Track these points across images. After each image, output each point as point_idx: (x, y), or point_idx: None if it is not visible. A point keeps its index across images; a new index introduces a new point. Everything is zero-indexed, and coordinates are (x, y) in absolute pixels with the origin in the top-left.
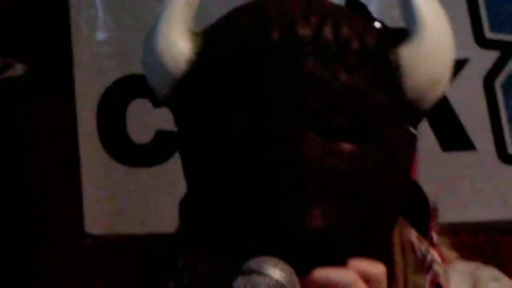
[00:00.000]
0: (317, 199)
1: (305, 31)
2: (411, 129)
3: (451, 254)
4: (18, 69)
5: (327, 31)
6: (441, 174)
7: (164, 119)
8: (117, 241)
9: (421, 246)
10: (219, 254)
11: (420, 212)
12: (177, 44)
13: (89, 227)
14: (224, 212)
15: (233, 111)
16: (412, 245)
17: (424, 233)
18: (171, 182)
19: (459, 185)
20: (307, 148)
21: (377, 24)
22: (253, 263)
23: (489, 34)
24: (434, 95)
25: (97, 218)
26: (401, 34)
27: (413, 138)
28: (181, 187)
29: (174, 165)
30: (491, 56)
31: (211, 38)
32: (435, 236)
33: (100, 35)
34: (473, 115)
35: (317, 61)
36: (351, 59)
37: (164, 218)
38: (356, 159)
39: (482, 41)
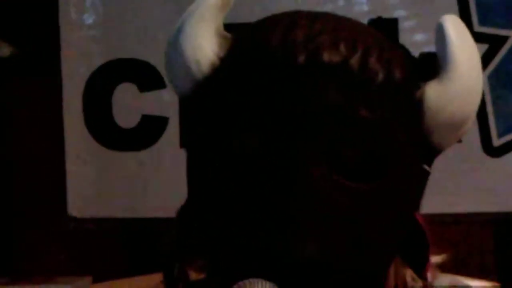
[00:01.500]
0: (316, 230)
1: (331, 59)
2: (425, 166)
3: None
4: (5, 50)
5: (354, 61)
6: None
7: (150, 103)
8: (99, 225)
9: (414, 285)
10: (212, 270)
11: (418, 252)
12: (203, 47)
13: (72, 209)
14: (221, 229)
15: (247, 128)
16: (405, 284)
17: (420, 274)
18: (155, 167)
19: (444, 177)
20: (314, 179)
21: (406, 52)
22: (242, 284)
23: (477, 27)
24: (454, 137)
25: (80, 201)
26: (431, 70)
27: (425, 176)
28: (165, 172)
29: (159, 150)
30: (479, 49)
31: (238, 47)
32: (429, 277)
33: (88, 19)
34: None
35: (340, 92)
36: (375, 94)
37: (147, 203)
38: (362, 196)
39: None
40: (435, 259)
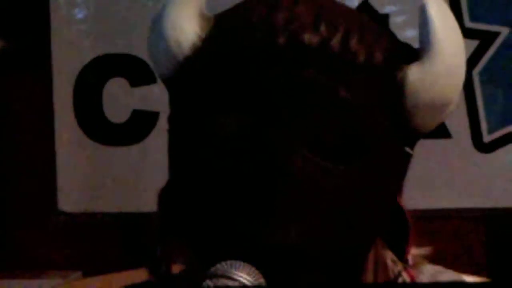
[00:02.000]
0: (296, 213)
1: (311, 40)
2: (407, 149)
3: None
4: None
5: (335, 42)
6: (416, 161)
7: (140, 99)
8: (90, 219)
9: (394, 268)
10: (192, 252)
11: (399, 235)
12: (184, 28)
13: (62, 204)
14: (202, 210)
15: (227, 109)
16: (385, 266)
17: (401, 257)
18: (145, 162)
19: (434, 172)
20: (293, 160)
21: (389, 35)
22: (221, 267)
23: (468, 23)
24: (437, 120)
25: (70, 196)
26: (413, 52)
27: (407, 158)
28: (155, 167)
29: (149, 145)
30: (470, 45)
31: (219, 28)
32: (410, 260)
33: (79, 13)
34: None
35: (319, 73)
36: (355, 75)
37: (138, 198)
38: (341, 177)
39: (461, 30)
40: (419, 250)
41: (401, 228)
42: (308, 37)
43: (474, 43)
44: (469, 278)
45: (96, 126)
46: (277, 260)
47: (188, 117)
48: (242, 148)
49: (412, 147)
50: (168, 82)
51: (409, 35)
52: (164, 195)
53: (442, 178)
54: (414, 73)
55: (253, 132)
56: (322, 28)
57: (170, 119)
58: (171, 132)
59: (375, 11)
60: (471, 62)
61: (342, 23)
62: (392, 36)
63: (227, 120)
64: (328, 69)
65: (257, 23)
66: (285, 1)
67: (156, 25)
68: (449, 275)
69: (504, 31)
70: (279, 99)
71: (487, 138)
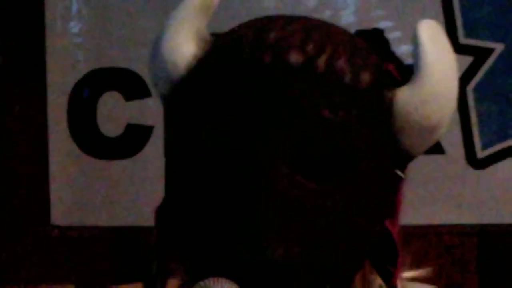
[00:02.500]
0: (279, 232)
1: (297, 59)
2: (397, 171)
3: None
4: None
5: (320, 62)
6: (409, 177)
7: (135, 112)
8: (83, 233)
9: None
10: (187, 268)
11: (387, 258)
12: (180, 48)
13: (55, 218)
14: (193, 227)
15: (215, 128)
16: None
17: (388, 281)
18: (139, 176)
19: (427, 188)
20: (277, 180)
21: (382, 57)
22: (203, 283)
23: (463, 40)
24: (426, 142)
25: (64, 210)
26: (406, 75)
27: (397, 181)
28: (149, 181)
29: (144, 158)
30: (464, 61)
31: (213, 48)
32: (399, 285)
33: (74, 27)
34: None
35: (303, 92)
36: (339, 96)
37: (131, 212)
38: (325, 197)
39: (455, 46)
40: (410, 273)
41: (389, 252)
42: (294, 56)
43: (469, 59)
44: None
45: (90, 140)
46: (262, 277)
47: (181, 136)
48: (230, 166)
49: (402, 170)
50: (166, 101)
51: (403, 50)
52: (161, 212)
53: (435, 194)
54: (402, 96)
55: (238, 150)
56: (309, 47)
57: (166, 138)
58: (167, 147)
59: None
60: (465, 78)
61: (330, 44)
62: (389, 58)
63: (216, 139)
64: (312, 88)
65: (247, 43)
66: (277, 22)
67: (155, 46)
68: None
69: (498, 47)
70: (263, 118)
71: (480, 154)
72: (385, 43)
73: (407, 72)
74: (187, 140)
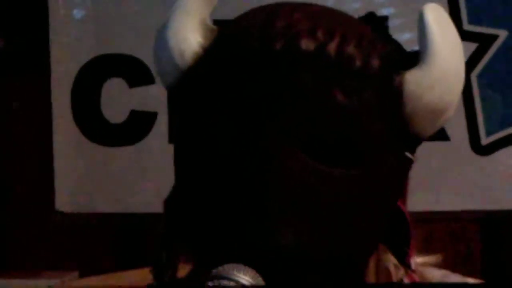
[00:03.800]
0: (292, 217)
1: (308, 45)
2: (408, 154)
3: (423, 267)
4: None
5: (331, 48)
6: (414, 163)
7: (139, 99)
8: (87, 220)
9: (397, 273)
10: (196, 257)
11: (401, 238)
12: (187, 39)
13: (59, 204)
14: (204, 215)
15: (226, 116)
16: (387, 271)
17: (402, 260)
18: (143, 163)
19: (432, 175)
20: (289, 165)
21: (390, 44)
22: (222, 269)
23: (467, 26)
24: (436, 125)
25: (68, 196)
26: (412, 58)
27: (408, 164)
28: (153, 168)
29: (148, 145)
30: (468, 48)
31: (220, 38)
32: (412, 264)
33: (77, 14)
34: None
35: (316, 78)
36: (351, 80)
37: (135, 198)
38: (338, 181)
39: (459, 33)
40: (423, 258)
41: (402, 232)
42: (305, 43)
43: (473, 46)
44: (472, 281)
45: (94, 127)
46: (274, 262)
47: (191, 125)
48: (240, 153)
49: (412, 152)
50: (172, 90)
51: (407, 37)
52: (170, 201)
53: (440, 180)
54: (412, 79)
55: (250, 136)
56: (319, 34)
57: (175, 126)
58: (176, 138)
59: (381, 20)
60: (470, 65)
61: (339, 30)
62: (390, 42)
63: (227, 126)
64: (324, 73)
65: (255, 31)
66: (284, 10)
67: (160, 36)
68: (456, 278)
69: (502, 34)
70: (276, 104)
71: (485, 140)
72: (383, 27)
73: (408, 58)
74: (197, 129)
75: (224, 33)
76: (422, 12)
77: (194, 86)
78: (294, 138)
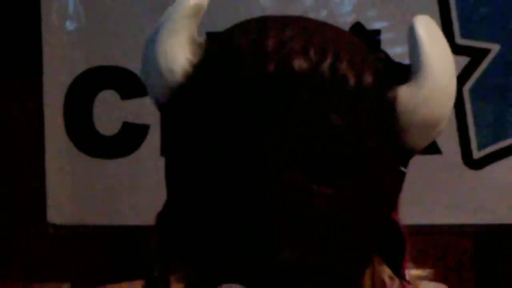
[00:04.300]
0: (293, 236)
1: (301, 66)
2: (401, 167)
3: (418, 280)
4: None
5: (325, 67)
6: (406, 177)
7: (131, 111)
8: (78, 231)
9: (392, 285)
10: (192, 274)
11: (395, 250)
12: (176, 56)
13: (51, 216)
14: (200, 232)
15: (219, 135)
16: (383, 283)
17: (397, 272)
18: (135, 175)
19: (424, 188)
20: (289, 185)
21: (379, 56)
22: None
23: (459, 40)
24: (428, 138)
25: (60, 208)
26: (403, 72)
27: (401, 176)
28: (146, 180)
29: (140, 157)
30: (461, 62)
31: (210, 55)
32: (408, 275)
33: (70, 26)
34: None
35: (310, 99)
36: (345, 99)
37: (127, 210)
38: (336, 200)
39: (452, 47)
40: (418, 271)
41: (396, 243)
42: (298, 63)
43: (465, 59)
44: None
45: (87, 138)
46: (274, 281)
47: (183, 143)
48: (235, 172)
49: (405, 165)
50: (163, 107)
51: (399, 51)
52: (163, 216)
53: (432, 194)
54: (404, 94)
55: (246, 157)
56: (311, 53)
57: (166, 143)
58: (167, 154)
59: (367, 32)
60: (462, 78)
61: (331, 47)
62: (381, 57)
63: (220, 145)
64: (319, 93)
65: (247, 50)
66: (274, 26)
67: (148, 53)
68: None
69: (495, 48)
70: (271, 125)
71: (477, 154)
72: (372, 39)
73: (400, 72)
74: (191, 148)
75: (214, 50)
76: (412, 25)
77: (185, 104)
78: (294, 160)
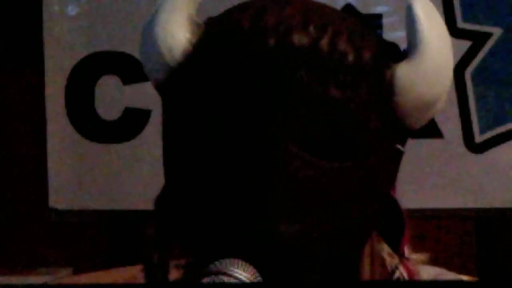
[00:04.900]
0: (293, 211)
1: (301, 41)
2: (399, 146)
3: (418, 264)
4: None
5: (324, 43)
6: (408, 160)
7: (133, 96)
8: (80, 217)
9: (391, 261)
10: (192, 252)
11: (394, 227)
12: (176, 35)
13: (53, 202)
14: (200, 211)
15: (219, 112)
16: (382, 260)
17: (396, 249)
18: (137, 160)
19: (425, 172)
20: (286, 159)
21: (377, 35)
22: (219, 264)
23: (461, 24)
24: (427, 116)
25: (61, 193)
26: (401, 51)
27: (399, 155)
28: (147, 165)
29: (141, 142)
30: (463, 45)
31: (209, 34)
32: (406, 252)
33: (72, 11)
34: None
35: (310, 73)
36: (345, 75)
37: (129, 195)
38: (335, 175)
39: (454, 31)
40: (416, 255)
41: (395, 221)
42: (298, 38)
43: (467, 43)
44: (466, 279)
45: (88, 124)
46: (273, 257)
47: (182, 122)
48: (235, 149)
49: (403, 144)
50: (161, 87)
51: (400, 35)
52: (161, 200)
53: (434, 178)
54: (402, 71)
55: (246, 133)
56: (311, 29)
57: (164, 124)
58: (166, 136)
59: (359, 13)
60: (464, 62)
61: (330, 24)
62: (378, 36)
63: (221, 123)
64: (319, 69)
65: (246, 27)
66: (273, 5)
67: (148, 32)
68: (450, 276)
69: (496, 31)
70: (271, 100)
71: (478, 138)
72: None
73: (398, 51)
74: (190, 126)
75: (214, 30)
76: (410, 5)
77: (186, 83)
78: (291, 134)
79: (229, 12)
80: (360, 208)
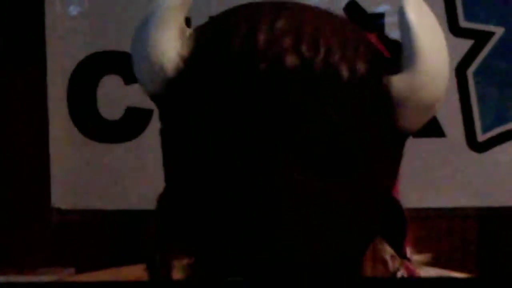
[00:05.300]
0: (301, 230)
1: (293, 62)
2: (399, 149)
3: (420, 265)
4: None
5: (317, 62)
6: (410, 160)
7: (135, 96)
8: (83, 216)
9: (393, 263)
10: (196, 263)
11: (396, 228)
12: (166, 52)
13: (55, 201)
14: (201, 224)
15: (214, 134)
16: (384, 262)
17: (398, 250)
18: (139, 159)
19: (427, 171)
20: (292, 181)
21: (371, 44)
22: None
23: (463, 23)
24: (424, 119)
25: (64, 193)
26: (397, 58)
27: (399, 158)
28: (150, 164)
29: (144, 142)
30: (464, 44)
31: (200, 49)
32: (408, 253)
33: (73, 11)
34: (444, 102)
35: (305, 93)
36: (340, 92)
37: (131, 195)
38: (338, 192)
39: (456, 30)
40: (418, 256)
41: (397, 222)
42: (290, 61)
43: (469, 42)
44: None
45: (90, 123)
46: (283, 277)
47: (179, 130)
48: (236, 171)
49: (402, 146)
50: (155, 98)
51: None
52: (163, 202)
53: (436, 177)
54: (399, 80)
55: (245, 157)
56: (303, 48)
57: (162, 131)
58: (164, 143)
59: (363, 10)
60: (466, 61)
61: (323, 40)
62: (373, 44)
63: (219, 145)
64: (313, 88)
65: (237, 48)
66: (266, 18)
67: (138, 48)
68: None
69: (499, 31)
70: (267, 125)
71: (481, 137)
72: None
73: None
74: (189, 136)
75: (203, 45)
76: (402, 9)
77: (179, 97)
78: (292, 156)
79: (219, 24)
80: (364, 218)
